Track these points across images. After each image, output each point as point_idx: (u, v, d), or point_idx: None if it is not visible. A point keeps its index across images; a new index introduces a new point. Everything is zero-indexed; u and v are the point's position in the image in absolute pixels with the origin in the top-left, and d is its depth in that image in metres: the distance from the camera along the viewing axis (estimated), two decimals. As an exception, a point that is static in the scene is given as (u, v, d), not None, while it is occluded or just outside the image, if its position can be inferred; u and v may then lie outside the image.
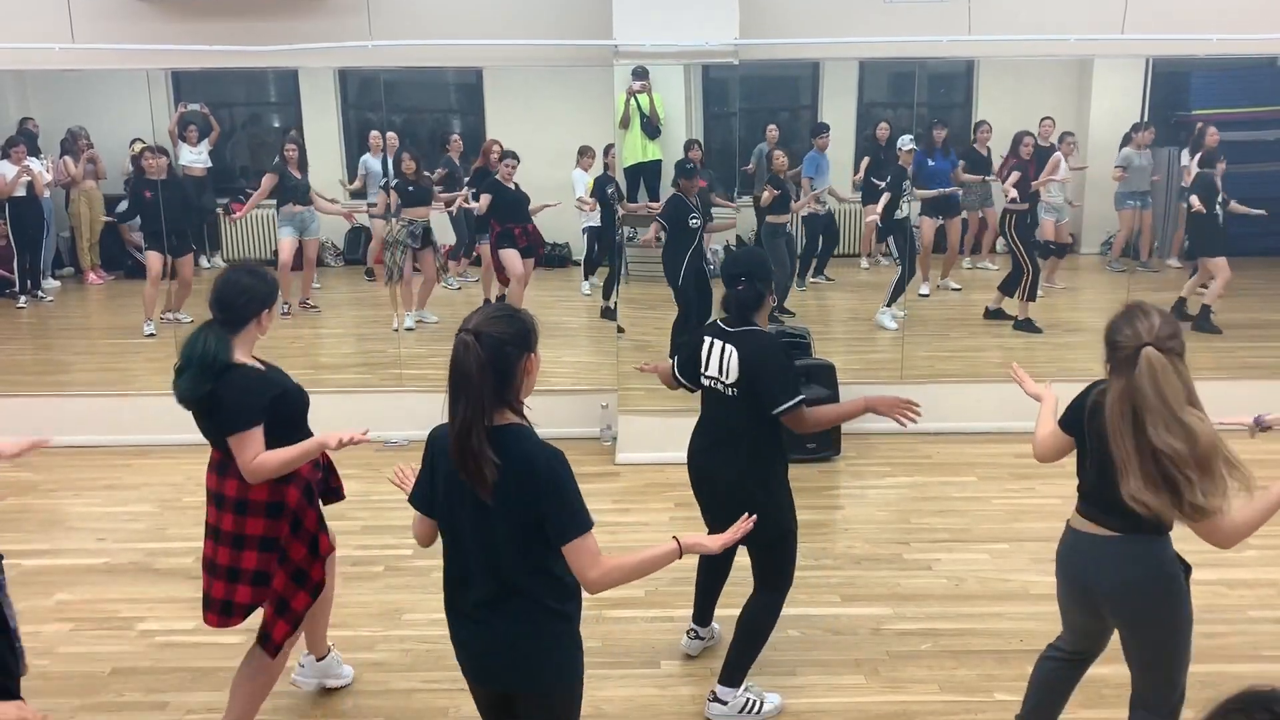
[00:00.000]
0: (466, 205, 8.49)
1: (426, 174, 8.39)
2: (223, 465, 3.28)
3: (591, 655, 4.12)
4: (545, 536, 2.39)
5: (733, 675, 3.74)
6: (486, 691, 2.60)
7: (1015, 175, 8.21)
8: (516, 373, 2.38)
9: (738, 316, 3.69)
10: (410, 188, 8.17)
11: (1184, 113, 9.05)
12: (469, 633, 2.51)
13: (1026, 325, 8.09)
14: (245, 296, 3.22)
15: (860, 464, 6.29)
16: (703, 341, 3.76)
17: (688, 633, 4.16)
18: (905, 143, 8.17)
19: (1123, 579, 2.78)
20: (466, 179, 8.84)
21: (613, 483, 6.06)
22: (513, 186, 8.15)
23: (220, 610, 3.31)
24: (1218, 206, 7.97)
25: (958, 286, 9.32)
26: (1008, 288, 8.35)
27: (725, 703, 3.73)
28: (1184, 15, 6.98)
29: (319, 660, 3.88)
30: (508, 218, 8.13)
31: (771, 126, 8.95)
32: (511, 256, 8.09)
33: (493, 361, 2.32)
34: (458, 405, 2.33)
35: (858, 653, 4.14)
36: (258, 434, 3.17)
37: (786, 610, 4.38)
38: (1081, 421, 2.83)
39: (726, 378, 3.62)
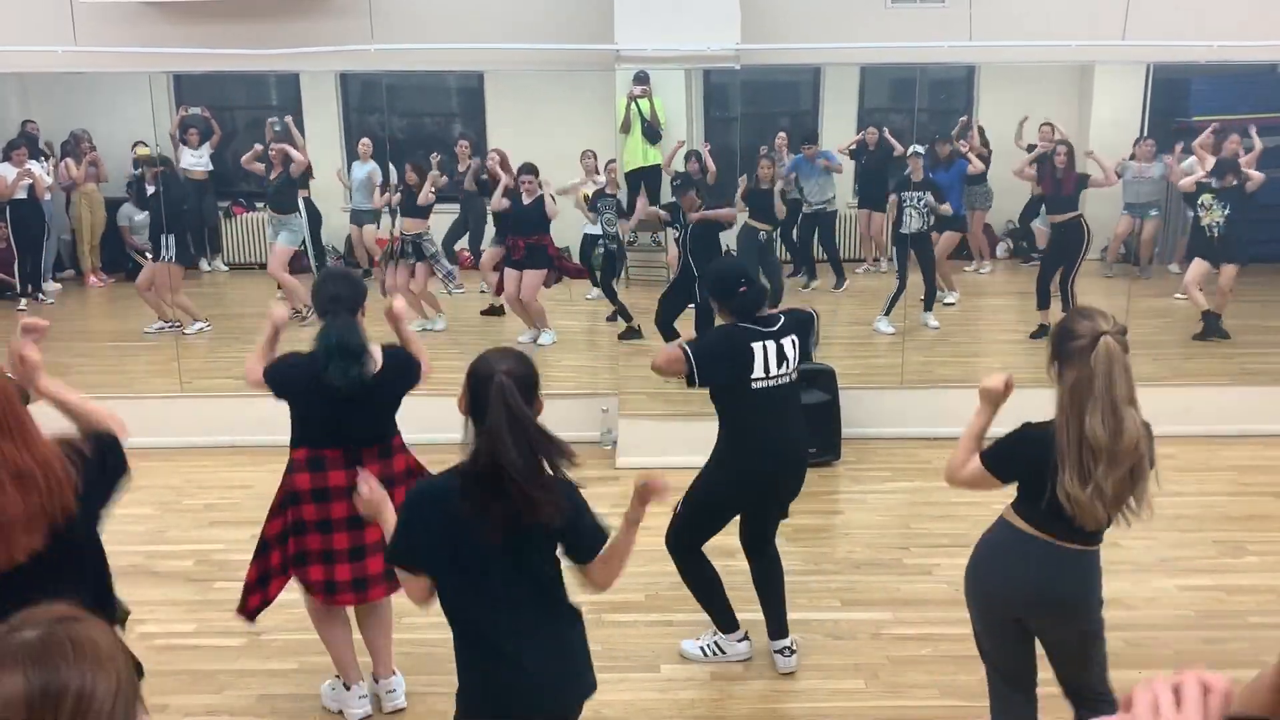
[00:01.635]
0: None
1: (432, 191, 8.24)
2: (385, 450, 3.60)
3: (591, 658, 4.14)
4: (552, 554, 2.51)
5: (784, 625, 4.05)
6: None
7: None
8: (531, 413, 2.46)
9: (756, 312, 3.81)
10: (412, 199, 8.06)
11: (1184, 119, 9.05)
12: (534, 664, 2.46)
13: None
14: (355, 289, 3.58)
15: (860, 469, 6.29)
16: (749, 349, 3.70)
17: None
18: (914, 150, 8.12)
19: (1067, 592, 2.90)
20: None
21: (613, 487, 6.03)
22: (527, 201, 7.80)
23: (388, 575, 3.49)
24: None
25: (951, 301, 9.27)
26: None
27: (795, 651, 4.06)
28: (1184, 22, 7.00)
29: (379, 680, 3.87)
30: (518, 231, 7.80)
31: (780, 135, 8.93)
32: (510, 278, 7.89)
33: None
34: (515, 448, 2.32)
35: (858, 657, 4.14)
36: None
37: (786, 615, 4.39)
38: (1021, 464, 2.95)
39: (794, 365, 3.83)
